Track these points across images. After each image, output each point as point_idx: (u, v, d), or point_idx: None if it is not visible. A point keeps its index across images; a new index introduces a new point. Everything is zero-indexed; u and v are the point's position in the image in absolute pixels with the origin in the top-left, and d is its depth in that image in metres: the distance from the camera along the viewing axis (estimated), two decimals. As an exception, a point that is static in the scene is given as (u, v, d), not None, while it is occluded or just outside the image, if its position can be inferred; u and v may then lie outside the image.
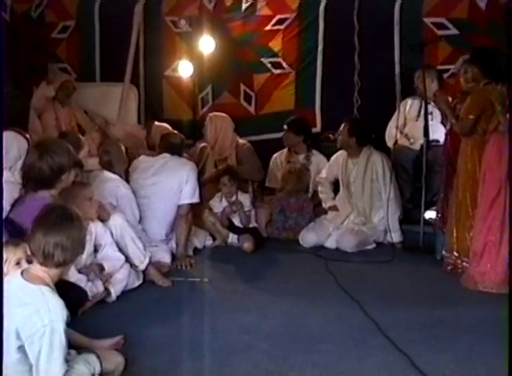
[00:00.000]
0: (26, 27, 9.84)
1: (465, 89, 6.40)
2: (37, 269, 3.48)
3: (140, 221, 6.57)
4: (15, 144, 6.07)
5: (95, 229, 5.54)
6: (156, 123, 8.95)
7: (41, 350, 3.29)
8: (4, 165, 5.78)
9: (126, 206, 6.34)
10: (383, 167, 7.29)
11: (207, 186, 7.68)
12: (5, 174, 5.73)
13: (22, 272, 3.50)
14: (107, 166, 6.57)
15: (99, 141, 8.34)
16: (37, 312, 3.29)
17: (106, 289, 5.43)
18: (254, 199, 7.99)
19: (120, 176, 6.54)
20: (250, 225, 7.42)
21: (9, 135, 6.16)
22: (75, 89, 8.99)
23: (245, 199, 7.47)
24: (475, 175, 6.06)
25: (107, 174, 6.47)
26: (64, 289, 4.23)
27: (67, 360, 3.48)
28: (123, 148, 6.98)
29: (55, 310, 3.32)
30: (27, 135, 6.37)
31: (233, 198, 7.41)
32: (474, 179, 6.06)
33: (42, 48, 9.82)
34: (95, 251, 5.57)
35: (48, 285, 3.43)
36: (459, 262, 6.16)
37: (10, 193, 5.73)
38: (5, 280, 3.47)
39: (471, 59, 6.33)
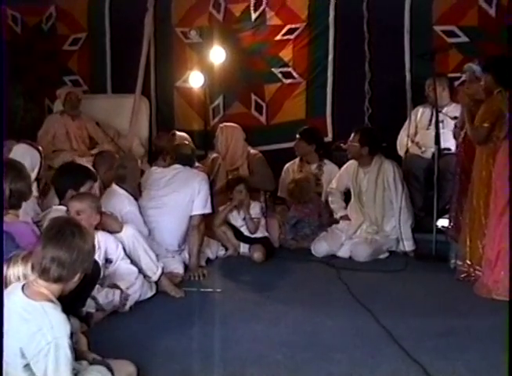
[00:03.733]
0: (37, 39, 9.93)
1: (477, 97, 6.38)
2: (38, 284, 3.40)
3: (149, 234, 6.55)
4: (27, 156, 6.11)
5: (105, 242, 5.54)
6: (177, 133, 8.99)
7: (47, 368, 3.25)
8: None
9: (132, 223, 6.27)
10: (394, 175, 7.29)
11: (218, 196, 7.68)
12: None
13: (23, 288, 3.42)
14: (119, 180, 6.55)
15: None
16: (40, 330, 3.24)
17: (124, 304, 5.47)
18: (266, 209, 7.99)
19: (128, 191, 6.50)
20: (261, 235, 7.41)
21: (21, 148, 6.22)
22: (80, 100, 9.04)
23: (255, 206, 7.48)
24: (490, 183, 6.02)
25: (115, 188, 6.45)
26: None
27: (77, 373, 3.46)
28: (139, 162, 7.00)
29: (58, 326, 3.27)
30: (40, 147, 6.41)
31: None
32: (489, 188, 6.02)
33: (54, 60, 9.88)
34: (107, 261, 5.55)
35: (50, 301, 3.37)
36: (471, 270, 6.14)
37: (23, 205, 5.76)
38: (6, 295, 3.43)
39: (485, 67, 6.30)
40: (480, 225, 6.13)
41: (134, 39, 9.38)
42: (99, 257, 5.38)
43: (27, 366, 3.31)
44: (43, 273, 3.38)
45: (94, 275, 4.81)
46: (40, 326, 3.26)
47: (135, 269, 5.66)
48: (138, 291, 5.62)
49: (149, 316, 5.42)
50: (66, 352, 3.27)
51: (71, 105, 8.93)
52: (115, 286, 5.44)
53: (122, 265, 5.60)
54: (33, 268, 3.44)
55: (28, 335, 3.26)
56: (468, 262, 6.20)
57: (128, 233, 5.75)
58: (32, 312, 3.31)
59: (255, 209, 7.44)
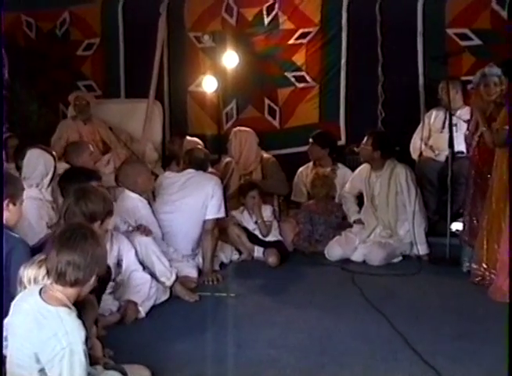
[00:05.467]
0: (51, 45, 9.98)
1: (498, 100, 6.33)
2: (54, 289, 3.43)
3: (163, 238, 6.56)
4: (41, 161, 6.13)
5: (119, 241, 5.54)
6: (188, 137, 9.00)
7: (61, 373, 3.26)
8: (30, 182, 5.86)
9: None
10: (406, 179, 7.26)
11: (232, 200, 7.67)
12: (33, 191, 5.82)
13: (40, 291, 3.45)
14: (116, 181, 6.58)
15: (125, 157, 8.38)
16: (55, 335, 3.25)
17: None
18: (280, 213, 8.00)
19: (141, 195, 6.51)
20: (274, 239, 7.41)
21: (35, 153, 6.23)
22: (89, 104, 9.07)
23: (266, 209, 7.48)
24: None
25: (127, 192, 6.44)
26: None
27: (92, 376, 3.48)
28: (149, 167, 6.98)
29: (73, 332, 3.28)
30: (53, 152, 6.43)
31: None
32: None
33: (68, 65, 9.92)
34: (118, 264, 5.56)
35: (66, 306, 3.39)
36: (487, 273, 6.11)
37: (38, 210, 5.80)
38: (23, 297, 3.49)
39: (505, 73, 6.25)
40: (499, 229, 6.05)
41: (147, 44, 9.42)
42: (113, 257, 5.43)
43: (42, 370, 3.33)
44: (59, 278, 3.40)
45: (104, 279, 4.84)
46: (55, 331, 3.26)
47: (148, 276, 5.66)
48: (153, 297, 5.63)
49: (163, 320, 5.43)
50: (80, 358, 3.28)
51: (80, 109, 8.98)
52: (130, 302, 5.45)
53: (135, 275, 5.60)
54: (48, 273, 3.46)
55: (43, 340, 3.27)
56: (484, 266, 6.16)
57: (141, 241, 5.76)
58: (47, 317, 3.32)
59: (266, 212, 7.45)
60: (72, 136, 8.76)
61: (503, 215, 6.01)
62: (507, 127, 5.90)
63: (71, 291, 3.45)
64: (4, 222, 4.25)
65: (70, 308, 3.40)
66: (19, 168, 6.36)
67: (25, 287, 3.59)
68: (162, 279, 5.81)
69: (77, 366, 3.28)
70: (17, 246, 4.20)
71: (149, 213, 6.50)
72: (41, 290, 3.45)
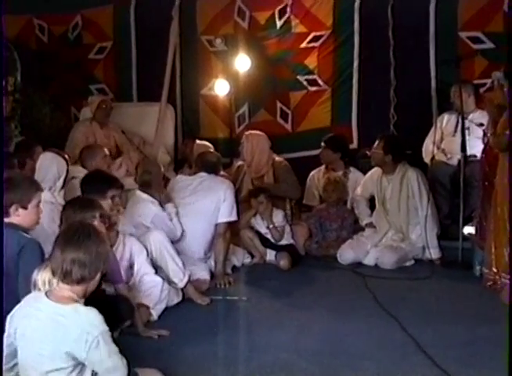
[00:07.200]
0: (63, 48, 10.00)
1: (502, 104, 6.33)
2: (61, 289, 3.45)
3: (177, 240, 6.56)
4: (54, 165, 6.15)
5: (130, 245, 5.56)
6: (197, 141, 9.00)
7: (101, 354, 3.31)
8: (43, 186, 5.86)
9: (161, 226, 6.30)
10: (418, 183, 7.25)
11: (244, 204, 7.67)
12: (45, 194, 5.79)
13: (46, 295, 3.46)
14: (145, 186, 6.56)
15: (137, 161, 8.36)
16: (83, 330, 3.28)
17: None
18: (292, 216, 7.99)
19: (154, 197, 6.51)
20: (286, 242, 7.40)
21: (47, 156, 6.26)
22: (112, 109, 9.03)
23: (278, 214, 7.47)
24: None
25: (139, 194, 6.45)
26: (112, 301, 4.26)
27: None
28: (162, 168, 6.99)
29: (95, 320, 3.33)
30: (66, 156, 6.44)
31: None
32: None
33: (80, 69, 9.95)
34: (130, 268, 5.57)
35: (77, 302, 3.42)
36: (497, 277, 6.09)
37: (48, 214, 5.78)
38: (27, 303, 3.51)
39: (506, 75, 6.26)
40: (504, 232, 6.05)
41: (159, 47, 9.42)
42: (125, 260, 5.44)
43: (77, 366, 3.37)
44: (65, 277, 3.43)
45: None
46: (81, 326, 3.29)
47: (159, 279, 5.66)
48: (165, 300, 5.64)
49: (175, 323, 5.41)
50: (111, 337, 3.38)
51: (104, 113, 8.89)
52: (142, 305, 5.45)
53: (146, 278, 5.61)
54: (53, 273, 3.48)
55: (74, 338, 3.29)
56: (494, 270, 6.14)
57: (155, 239, 5.78)
58: (67, 315, 3.33)
59: (278, 217, 7.44)
60: (88, 139, 8.70)
61: (508, 217, 6.00)
62: (507, 132, 5.90)
63: (78, 289, 3.48)
64: (16, 224, 4.29)
65: (81, 304, 3.44)
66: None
67: (39, 290, 3.61)
68: (175, 279, 5.82)
69: (112, 345, 3.37)
70: (28, 245, 4.21)
71: (161, 211, 6.49)
72: (46, 293, 3.48)
